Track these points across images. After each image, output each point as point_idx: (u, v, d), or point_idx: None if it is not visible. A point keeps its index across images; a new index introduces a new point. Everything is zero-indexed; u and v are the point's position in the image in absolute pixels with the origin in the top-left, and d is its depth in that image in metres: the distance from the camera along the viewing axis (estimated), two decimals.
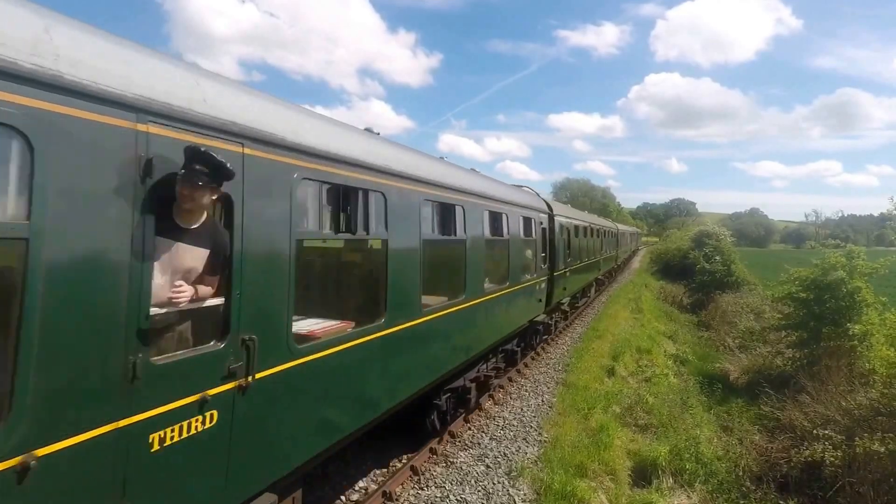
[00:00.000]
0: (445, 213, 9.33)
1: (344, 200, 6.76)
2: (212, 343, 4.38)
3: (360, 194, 6.66)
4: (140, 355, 3.68)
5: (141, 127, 3.66)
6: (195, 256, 4.38)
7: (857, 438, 10.27)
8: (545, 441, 10.95)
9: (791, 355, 18.08)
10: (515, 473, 9.36)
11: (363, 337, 6.52)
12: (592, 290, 32.34)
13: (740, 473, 11.16)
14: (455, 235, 9.50)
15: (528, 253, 14.44)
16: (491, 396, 13.18)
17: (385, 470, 9.21)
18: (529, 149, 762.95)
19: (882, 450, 9.57)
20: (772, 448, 12.31)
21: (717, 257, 38.42)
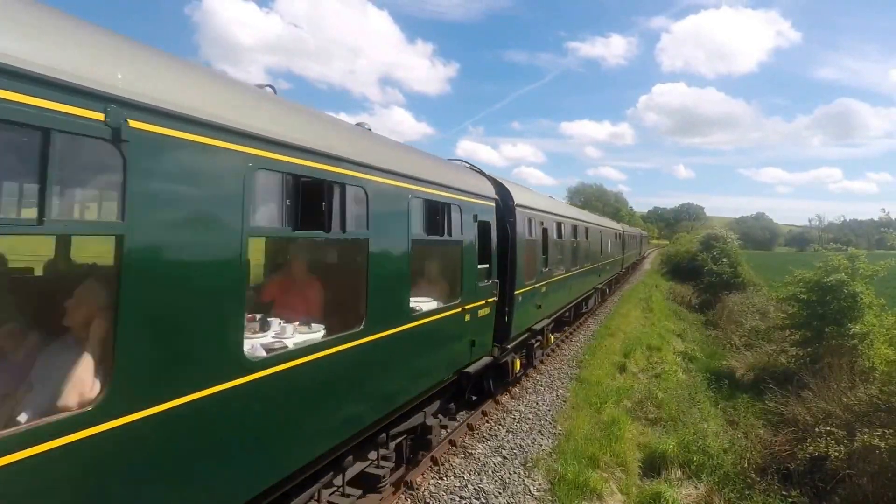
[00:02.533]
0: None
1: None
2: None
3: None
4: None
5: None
6: None
7: (857, 433, 10.13)
8: (559, 434, 10.94)
9: (794, 353, 17.84)
10: (531, 464, 9.37)
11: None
12: None
13: (745, 465, 11.03)
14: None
15: None
16: (508, 391, 13.19)
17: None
18: (544, 155, 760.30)
19: (882, 445, 9.44)
20: (776, 441, 12.16)
21: (725, 259, 37.98)
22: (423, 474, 8.66)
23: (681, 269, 54.88)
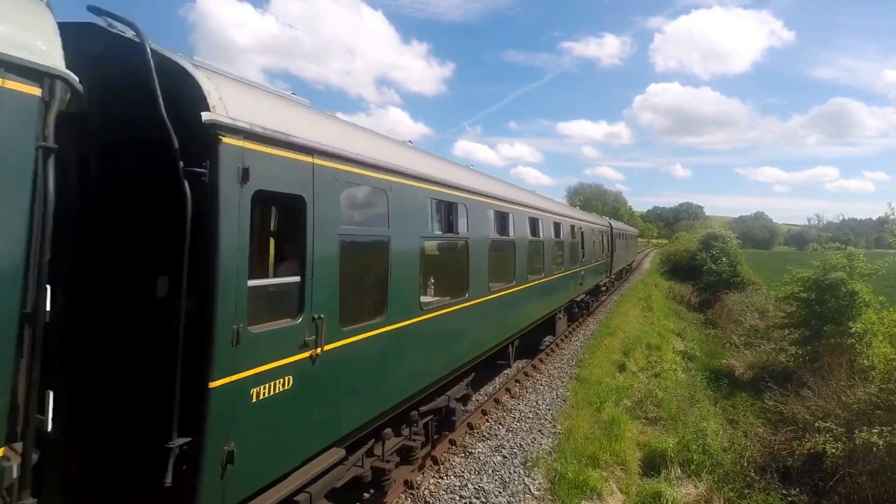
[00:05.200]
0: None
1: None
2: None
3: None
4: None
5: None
6: None
7: (856, 431, 10.09)
8: (559, 433, 10.91)
9: (794, 352, 17.79)
10: (531, 463, 9.34)
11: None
12: None
13: (745, 464, 11.00)
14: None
15: None
16: (508, 390, 13.16)
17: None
18: (541, 154, 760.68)
19: (880, 442, 9.40)
20: (775, 440, 12.11)
21: (724, 258, 37.78)
22: (423, 473, 8.64)
23: (680, 269, 54.76)
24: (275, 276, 5.58)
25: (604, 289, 30.56)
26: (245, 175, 4.34)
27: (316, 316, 5.21)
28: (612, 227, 32.44)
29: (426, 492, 8.18)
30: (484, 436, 10.55)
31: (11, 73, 3.11)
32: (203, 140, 4.16)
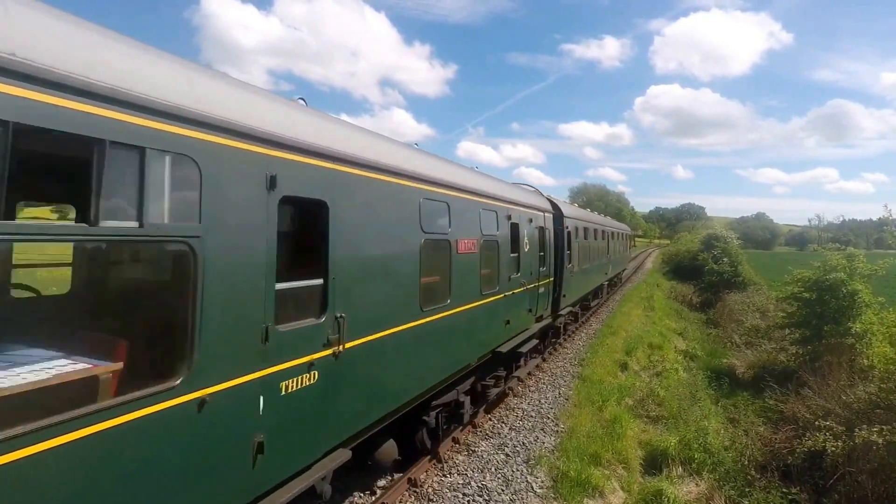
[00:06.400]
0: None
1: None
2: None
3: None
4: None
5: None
6: None
7: (856, 430, 10.05)
8: (562, 431, 10.89)
9: (794, 351, 17.74)
10: (533, 462, 9.33)
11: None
12: None
13: (746, 463, 10.96)
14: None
15: None
16: (511, 389, 13.14)
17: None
18: (543, 155, 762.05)
19: (880, 441, 9.35)
20: (775, 439, 12.06)
21: (725, 259, 37.73)
22: (426, 472, 8.63)
23: (682, 269, 54.61)
24: None
25: (527, 350, 12.45)
26: None
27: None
28: (562, 215, 16.75)
29: (429, 489, 8.17)
30: (487, 434, 10.54)
31: None
32: None
